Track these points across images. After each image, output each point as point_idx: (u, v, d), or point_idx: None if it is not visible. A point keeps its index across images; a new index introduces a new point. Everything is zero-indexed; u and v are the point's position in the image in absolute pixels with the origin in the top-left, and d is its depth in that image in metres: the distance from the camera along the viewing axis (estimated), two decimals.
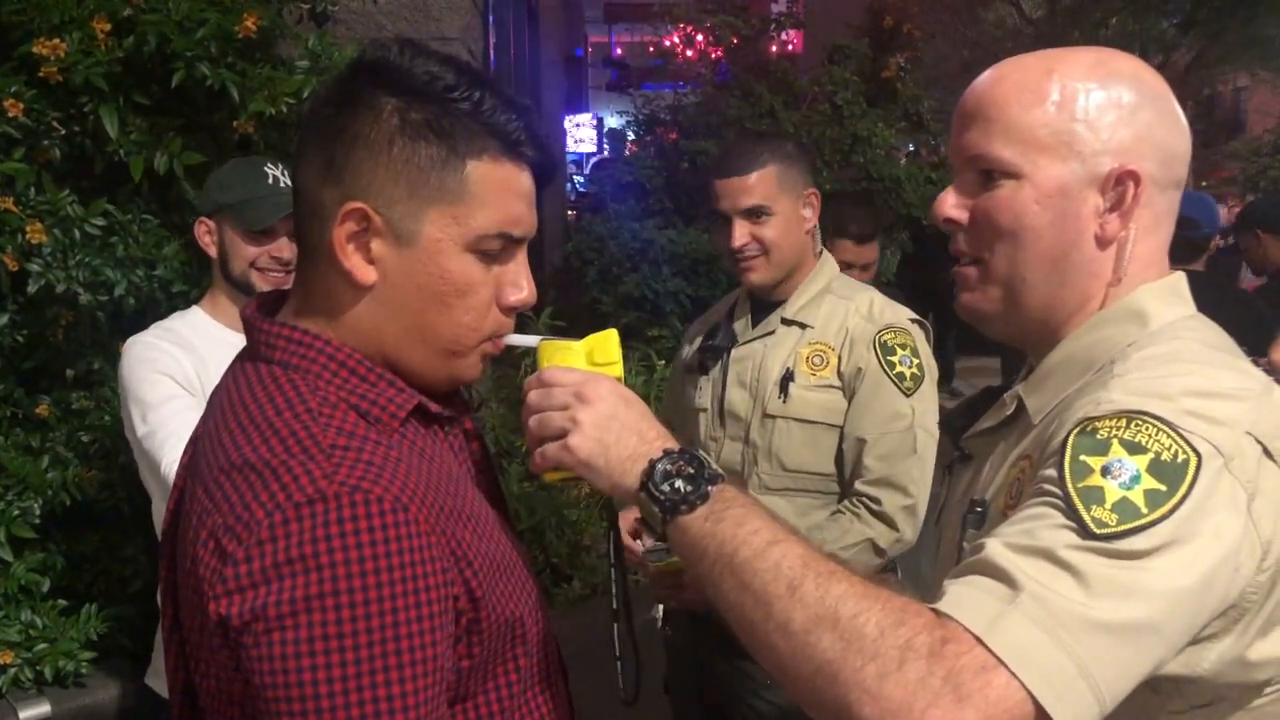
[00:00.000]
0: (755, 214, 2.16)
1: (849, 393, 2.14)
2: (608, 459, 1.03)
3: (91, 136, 2.58)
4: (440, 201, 1.00)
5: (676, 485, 0.99)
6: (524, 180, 1.05)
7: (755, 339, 2.25)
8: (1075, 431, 0.92)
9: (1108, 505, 0.87)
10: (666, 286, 6.40)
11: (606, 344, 1.13)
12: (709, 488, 0.98)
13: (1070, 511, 0.88)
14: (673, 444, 1.03)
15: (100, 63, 2.47)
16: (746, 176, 2.16)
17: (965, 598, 0.86)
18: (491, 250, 1.03)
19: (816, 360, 2.17)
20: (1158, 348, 1.01)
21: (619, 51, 20.98)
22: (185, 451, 1.09)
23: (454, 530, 0.97)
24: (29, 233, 2.46)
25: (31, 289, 2.52)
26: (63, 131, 2.56)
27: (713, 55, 8.27)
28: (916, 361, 2.13)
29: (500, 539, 1.06)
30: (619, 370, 1.11)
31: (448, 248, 1.01)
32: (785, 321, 2.22)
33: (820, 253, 2.30)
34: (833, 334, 2.17)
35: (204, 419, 1.07)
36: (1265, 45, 14.11)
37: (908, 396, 2.10)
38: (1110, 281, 1.06)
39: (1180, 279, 1.10)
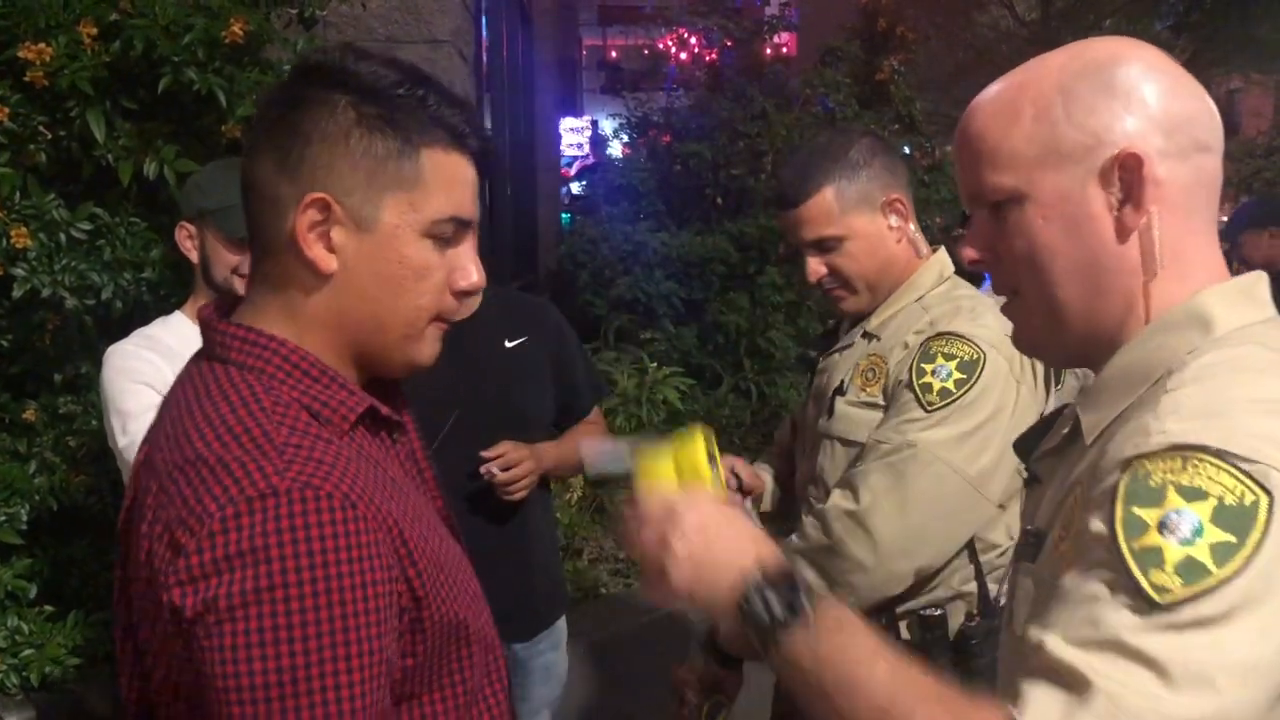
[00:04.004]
0: (823, 245, 1.88)
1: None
2: (704, 587, 1.02)
3: (78, 141, 2.58)
4: (397, 189, 1.04)
5: (771, 607, 0.97)
6: (470, 169, 1.10)
7: (836, 350, 1.98)
8: (1126, 477, 0.85)
9: (1169, 568, 0.79)
10: (659, 289, 6.40)
11: (693, 452, 1.12)
12: (803, 606, 0.96)
13: (1127, 579, 0.81)
14: (768, 555, 1.01)
15: (87, 67, 2.46)
16: (799, 208, 1.87)
17: (1036, 700, 0.83)
18: (445, 234, 1.08)
19: (870, 374, 1.86)
20: (1218, 355, 0.93)
21: (613, 55, 20.99)
22: (140, 450, 1.10)
23: (399, 529, 1.00)
24: (14, 237, 2.46)
25: (17, 293, 2.51)
26: (49, 136, 2.55)
27: (706, 58, 8.28)
28: (958, 377, 1.73)
29: (444, 544, 1.10)
30: (708, 474, 1.11)
31: (405, 233, 1.05)
32: (865, 335, 1.93)
33: (927, 254, 1.95)
34: (891, 345, 1.86)
35: (159, 419, 1.09)
36: (1258, 47, 14.13)
37: (926, 411, 1.74)
38: (1148, 275, 0.98)
39: (1259, 279, 1.01)
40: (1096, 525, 0.86)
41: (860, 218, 1.86)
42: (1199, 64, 14.31)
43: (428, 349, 1.12)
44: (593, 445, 1.11)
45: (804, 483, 1.97)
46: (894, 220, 1.88)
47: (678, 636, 4.37)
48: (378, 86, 1.04)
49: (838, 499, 1.76)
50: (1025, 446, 1.17)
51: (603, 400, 3.03)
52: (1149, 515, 0.82)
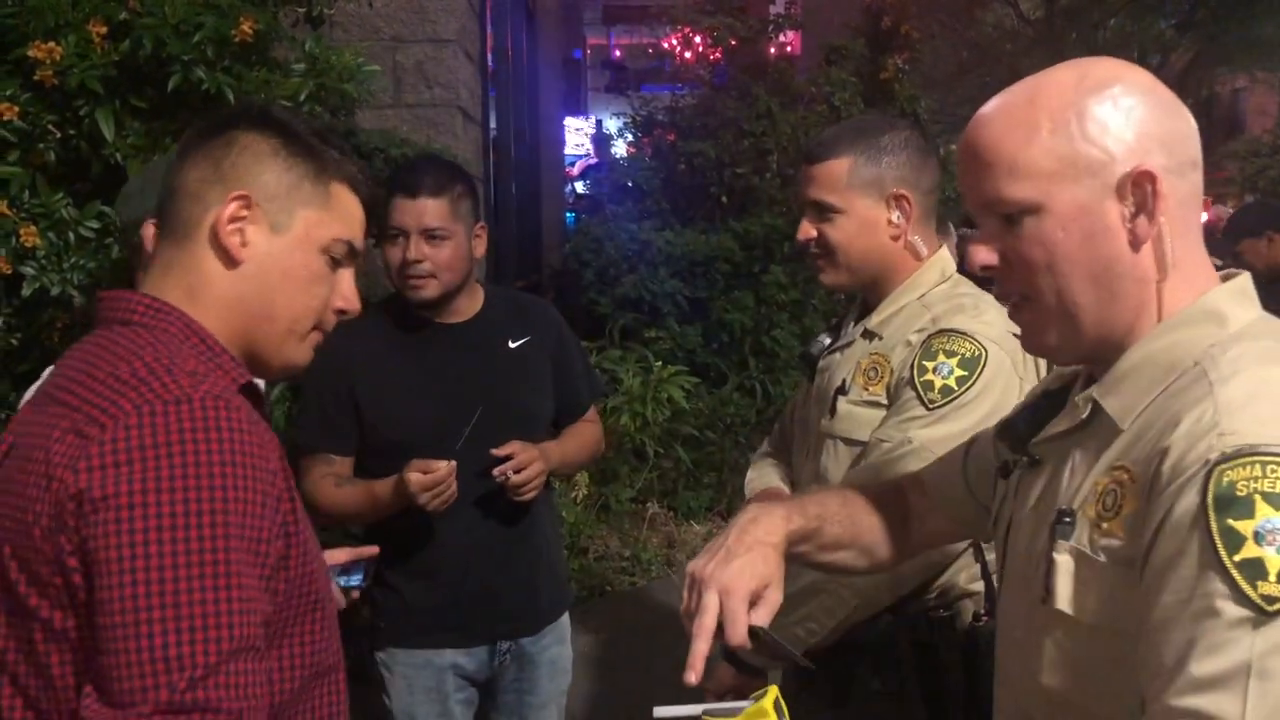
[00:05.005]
0: (821, 210, 1.87)
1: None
2: None
3: (87, 140, 2.58)
4: (310, 206, 1.23)
5: None
6: (360, 209, 1.30)
7: (837, 349, 1.97)
8: (1211, 486, 0.90)
9: (1272, 577, 0.86)
10: (664, 288, 6.41)
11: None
12: None
13: (1236, 593, 0.87)
14: None
15: (96, 66, 2.46)
16: (814, 165, 1.87)
17: None
18: (338, 255, 1.26)
19: (872, 373, 1.85)
20: (1242, 348, 1.00)
21: (618, 54, 20.98)
22: (25, 406, 1.21)
23: (285, 471, 1.12)
24: (23, 236, 2.46)
25: (26, 292, 2.51)
26: (58, 135, 2.56)
27: (711, 57, 8.28)
28: (959, 375, 1.72)
29: (307, 521, 1.19)
30: None
31: (309, 244, 1.23)
32: (865, 333, 1.91)
33: (929, 256, 1.91)
34: (893, 344, 1.84)
35: (50, 377, 1.18)
36: (1263, 46, 14.12)
37: (928, 409, 1.72)
38: (1158, 279, 1.06)
39: (1247, 279, 1.10)
40: (1179, 525, 0.91)
41: (863, 199, 1.85)
42: (1204, 63, 14.30)
43: (304, 352, 1.27)
44: (667, 710, 1.12)
45: (807, 483, 1.96)
46: (895, 216, 1.86)
47: (681, 633, 4.38)
48: (296, 129, 1.25)
49: None
50: (1018, 430, 1.23)
51: (600, 399, 3.05)
52: (1243, 527, 0.88)
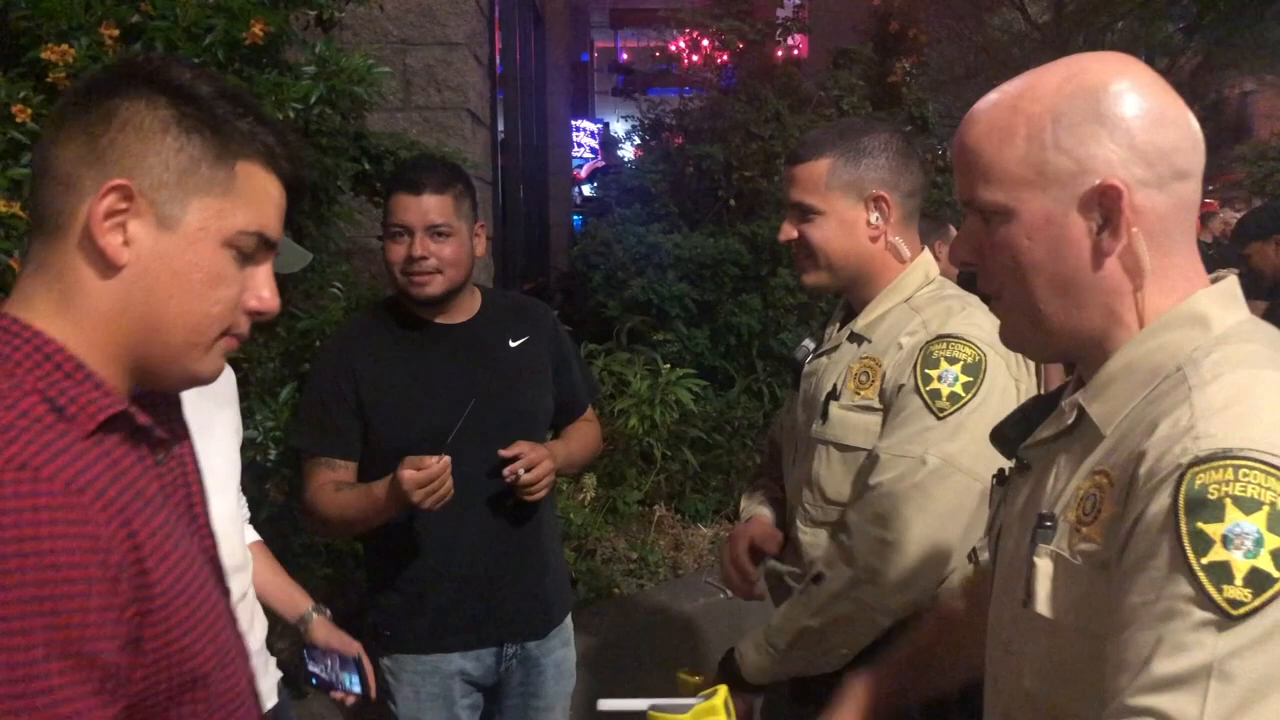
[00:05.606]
0: (802, 210, 1.89)
1: (888, 413, 1.82)
2: None
3: None
4: (208, 193, 1.02)
5: None
6: (279, 191, 1.09)
7: (824, 353, 1.99)
8: (1183, 488, 0.90)
9: (1238, 580, 0.86)
10: (671, 290, 6.41)
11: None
12: None
13: (1202, 596, 0.87)
14: None
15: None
16: (796, 166, 1.90)
17: None
18: (246, 248, 1.05)
19: (864, 377, 1.86)
20: (1226, 351, 1.00)
21: (625, 57, 21.00)
22: None
23: (130, 530, 0.92)
24: None
25: None
26: None
27: (719, 60, 8.28)
28: (964, 380, 1.74)
29: (200, 585, 1.02)
30: None
31: (207, 239, 1.02)
32: (851, 336, 1.93)
33: (912, 258, 1.93)
34: (884, 347, 1.86)
35: None
36: (1272, 49, 14.08)
37: (939, 418, 1.73)
38: (1134, 289, 1.05)
39: (1233, 281, 1.09)
40: (1150, 527, 0.91)
41: (842, 200, 1.87)
42: (1212, 66, 14.27)
43: (211, 363, 1.07)
44: (612, 703, 1.10)
45: (797, 488, 1.96)
46: (874, 217, 1.87)
47: (688, 635, 4.38)
48: (198, 93, 1.02)
49: (868, 528, 1.76)
50: (1009, 436, 1.23)
51: (597, 399, 3.07)
52: (1212, 530, 0.88)
